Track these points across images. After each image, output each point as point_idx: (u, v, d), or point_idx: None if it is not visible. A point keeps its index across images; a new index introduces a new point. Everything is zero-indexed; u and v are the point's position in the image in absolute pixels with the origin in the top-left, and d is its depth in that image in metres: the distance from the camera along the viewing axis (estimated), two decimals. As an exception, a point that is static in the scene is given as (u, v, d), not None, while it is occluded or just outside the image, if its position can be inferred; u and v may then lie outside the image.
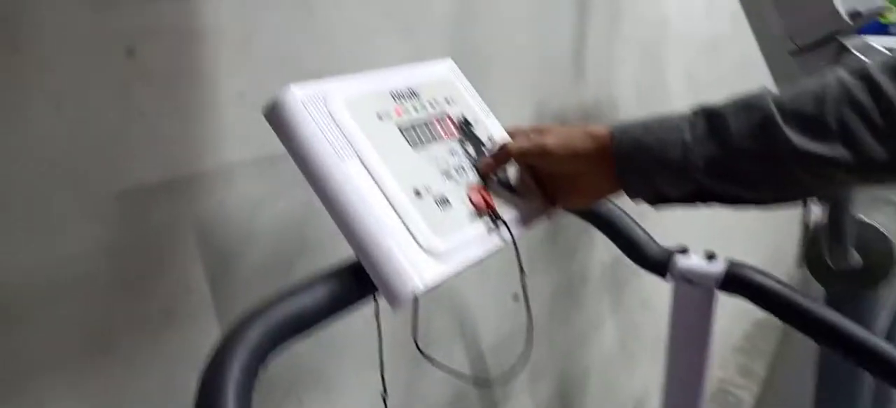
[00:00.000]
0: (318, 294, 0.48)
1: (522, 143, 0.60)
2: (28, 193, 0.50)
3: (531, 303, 0.62)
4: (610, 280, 1.49)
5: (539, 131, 0.61)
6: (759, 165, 0.51)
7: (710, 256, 0.78)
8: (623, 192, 0.57)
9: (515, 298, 1.12)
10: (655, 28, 1.55)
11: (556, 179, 0.61)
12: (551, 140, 0.58)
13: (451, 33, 0.90)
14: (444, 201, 0.55)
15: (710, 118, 0.53)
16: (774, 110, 0.50)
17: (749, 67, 1.97)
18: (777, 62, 0.99)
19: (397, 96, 0.58)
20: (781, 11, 0.88)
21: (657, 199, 0.56)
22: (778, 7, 0.88)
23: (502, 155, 0.60)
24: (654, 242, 0.80)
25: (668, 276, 0.78)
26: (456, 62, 0.65)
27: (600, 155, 0.56)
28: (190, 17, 0.60)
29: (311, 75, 0.73)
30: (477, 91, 0.67)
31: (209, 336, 0.62)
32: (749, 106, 0.52)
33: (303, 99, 0.51)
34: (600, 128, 0.57)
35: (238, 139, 0.65)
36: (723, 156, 0.52)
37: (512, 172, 0.62)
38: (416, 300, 0.52)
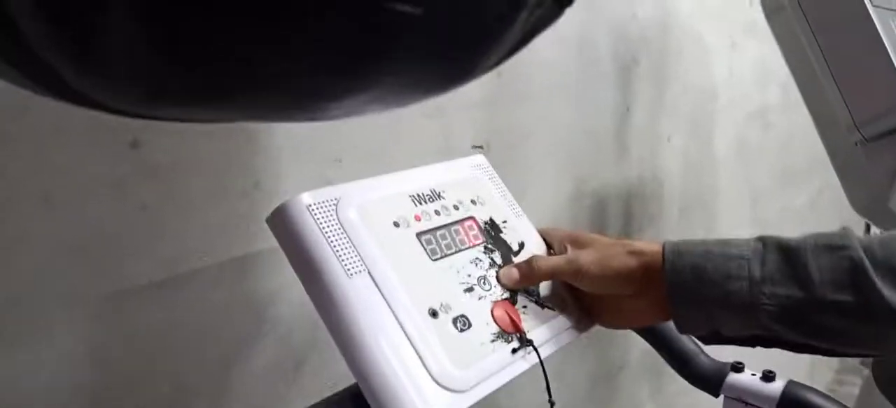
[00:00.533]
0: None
1: (555, 259, 0.53)
2: (8, 299, 0.46)
3: (566, 391, 0.55)
4: (649, 366, 1.39)
5: (575, 242, 0.55)
6: (844, 320, 0.43)
7: (767, 376, 0.69)
8: (672, 321, 0.50)
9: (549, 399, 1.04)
10: (703, 98, 1.47)
11: (593, 298, 0.54)
12: (586, 258, 0.51)
13: (485, 112, 0.85)
14: (463, 321, 0.49)
15: (786, 255, 0.45)
16: (865, 258, 0.43)
17: (799, 138, 1.86)
18: (840, 151, 0.92)
19: (419, 199, 0.53)
20: (849, 104, 0.81)
21: (713, 337, 0.49)
22: (846, 100, 0.81)
23: (530, 274, 0.53)
24: (705, 354, 0.71)
25: (721, 395, 0.70)
26: (490, 141, 0.60)
27: (646, 277, 0.49)
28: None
29: (332, 161, 0.68)
30: (513, 170, 0.60)
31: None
32: (833, 248, 0.44)
33: (311, 206, 0.46)
34: (647, 246, 0.50)
35: (251, 230, 0.61)
36: (801, 303, 0.44)
37: (544, 283, 0.56)
38: None
